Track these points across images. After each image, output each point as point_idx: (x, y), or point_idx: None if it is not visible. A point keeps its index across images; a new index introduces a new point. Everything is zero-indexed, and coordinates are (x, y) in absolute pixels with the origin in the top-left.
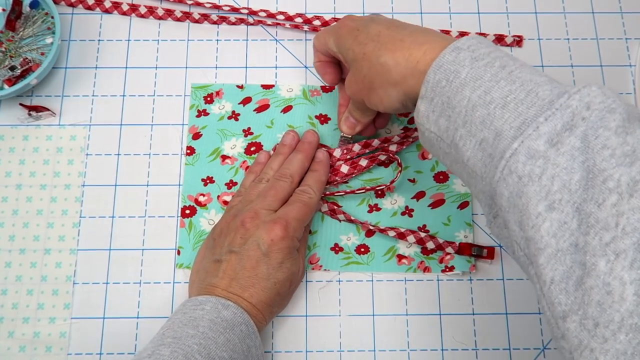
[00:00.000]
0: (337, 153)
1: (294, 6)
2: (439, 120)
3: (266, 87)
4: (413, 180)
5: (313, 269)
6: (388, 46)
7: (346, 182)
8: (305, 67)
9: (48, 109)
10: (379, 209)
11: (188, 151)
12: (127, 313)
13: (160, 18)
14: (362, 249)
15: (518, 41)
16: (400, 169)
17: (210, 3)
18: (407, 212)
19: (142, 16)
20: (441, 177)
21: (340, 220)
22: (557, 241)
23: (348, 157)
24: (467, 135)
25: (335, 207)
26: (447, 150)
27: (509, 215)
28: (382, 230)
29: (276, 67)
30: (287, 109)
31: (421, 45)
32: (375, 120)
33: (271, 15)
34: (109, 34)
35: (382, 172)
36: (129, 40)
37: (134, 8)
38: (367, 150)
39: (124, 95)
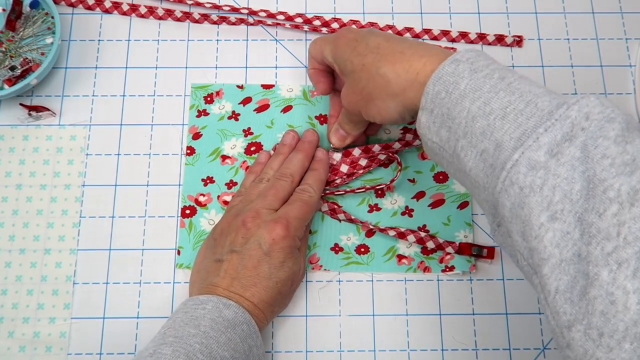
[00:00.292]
0: (336, 157)
1: (294, 6)
2: (440, 131)
3: (266, 87)
4: (413, 180)
5: (313, 268)
6: (388, 58)
7: (346, 183)
8: (305, 67)
9: (48, 109)
10: (379, 209)
11: (188, 151)
12: (127, 313)
13: (160, 18)
14: (362, 249)
15: (518, 41)
16: (400, 168)
17: (210, 3)
18: (407, 212)
19: (142, 16)
20: (441, 177)
21: (340, 220)
22: (560, 251)
23: (348, 160)
24: (468, 146)
25: (336, 207)
26: (450, 159)
27: (512, 225)
28: (382, 230)
29: (276, 67)
30: (287, 109)
31: (421, 58)
32: (366, 129)
33: (271, 15)
34: (109, 34)
35: (382, 172)
36: (129, 40)
37: (134, 8)
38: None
39: (124, 95)
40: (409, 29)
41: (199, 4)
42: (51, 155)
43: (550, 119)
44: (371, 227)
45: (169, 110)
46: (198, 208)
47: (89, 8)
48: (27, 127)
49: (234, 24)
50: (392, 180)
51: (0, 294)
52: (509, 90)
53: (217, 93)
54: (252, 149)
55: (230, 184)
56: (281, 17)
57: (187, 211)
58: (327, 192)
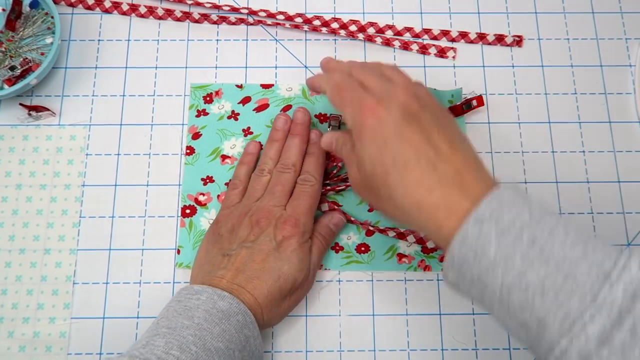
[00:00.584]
0: None
1: (294, 6)
2: (470, 290)
3: (266, 86)
4: None
5: None
6: (413, 192)
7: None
8: (305, 67)
9: (48, 109)
10: None
11: (188, 151)
12: (127, 313)
13: (160, 18)
14: (363, 248)
15: (518, 41)
16: None
17: (210, 3)
18: None
19: (142, 16)
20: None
21: None
22: None
23: None
24: (505, 314)
25: (336, 207)
26: (484, 310)
27: None
28: (381, 231)
29: (276, 67)
30: (286, 109)
31: (446, 204)
32: None
33: (271, 15)
34: (109, 34)
35: None
36: (129, 40)
37: (134, 8)
38: None
39: (124, 95)
40: (409, 29)
41: (199, 4)
42: (51, 155)
43: (595, 302)
44: (371, 227)
45: (169, 110)
46: (198, 207)
47: (89, 8)
48: (27, 127)
49: (233, 23)
50: None
51: (0, 293)
52: (543, 259)
53: (217, 93)
54: None
55: None
56: (281, 17)
57: (187, 211)
58: (328, 188)
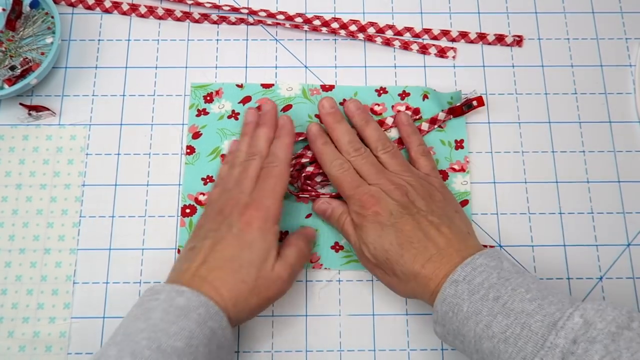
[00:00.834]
0: None
1: (294, 6)
2: (454, 341)
3: (266, 86)
4: None
5: (313, 267)
6: (409, 265)
7: None
8: (305, 66)
9: (48, 109)
10: None
11: (188, 150)
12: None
13: (160, 18)
14: None
15: (518, 41)
16: None
17: (210, 3)
18: None
19: (142, 16)
20: (441, 176)
21: None
22: None
23: None
24: None
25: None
26: (469, 359)
27: None
28: None
29: (276, 67)
30: (286, 108)
31: (436, 278)
32: None
33: (271, 15)
34: (109, 34)
35: None
36: (129, 40)
37: (134, 8)
38: None
39: (124, 95)
40: (409, 29)
41: (199, 4)
42: (51, 155)
43: (544, 347)
44: None
45: (169, 109)
46: (198, 207)
47: (89, 8)
48: (27, 127)
49: (234, 23)
50: None
51: (0, 293)
52: (505, 313)
53: (217, 92)
54: None
55: None
56: (281, 17)
57: (187, 210)
58: (333, 194)
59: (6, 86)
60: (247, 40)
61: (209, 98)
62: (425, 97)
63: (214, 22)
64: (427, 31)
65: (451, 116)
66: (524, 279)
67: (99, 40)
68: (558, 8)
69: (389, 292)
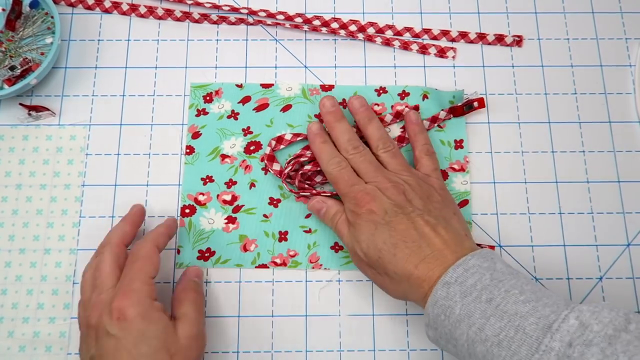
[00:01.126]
0: None
1: (293, 6)
2: (447, 345)
3: (265, 86)
4: None
5: (313, 267)
6: (402, 265)
7: None
8: (305, 67)
9: (48, 109)
10: None
11: (187, 150)
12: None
13: (160, 18)
14: None
15: (518, 41)
16: None
17: (210, 3)
18: None
19: (142, 16)
20: (442, 178)
21: None
22: None
23: None
24: None
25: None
26: None
27: None
28: None
29: (276, 67)
30: (286, 108)
31: (429, 279)
32: None
33: (271, 15)
34: (109, 34)
35: None
36: (128, 40)
37: (133, 8)
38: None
39: (123, 95)
40: (409, 29)
41: (198, 4)
42: (51, 155)
43: (538, 351)
44: None
45: (169, 109)
46: (198, 207)
47: (89, 8)
48: (27, 127)
49: (233, 23)
50: None
51: (0, 293)
52: (498, 315)
53: (217, 92)
54: (252, 148)
55: (230, 183)
56: (281, 17)
57: (187, 210)
58: (334, 193)
59: (6, 86)
60: (246, 40)
61: (208, 98)
62: (425, 97)
63: (214, 22)
64: (426, 31)
65: (451, 115)
66: (518, 280)
67: (98, 40)
68: (558, 8)
69: None
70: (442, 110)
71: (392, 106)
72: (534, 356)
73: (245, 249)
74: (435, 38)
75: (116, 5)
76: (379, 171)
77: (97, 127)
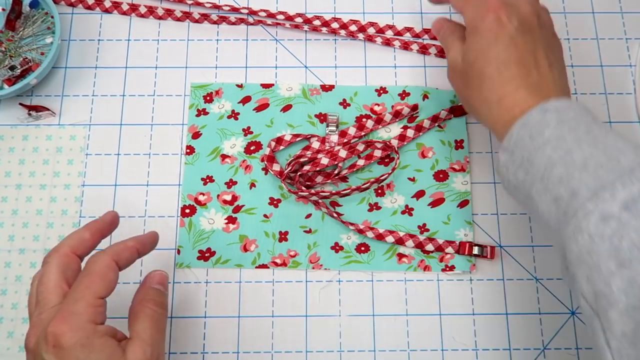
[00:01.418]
0: (334, 138)
1: (294, 6)
2: (517, 172)
3: (266, 86)
4: (413, 179)
5: (313, 268)
6: (502, 84)
7: (346, 181)
8: (305, 67)
9: (48, 109)
10: (379, 208)
11: (188, 150)
12: (127, 313)
13: (160, 18)
14: (363, 248)
15: None
16: (397, 156)
17: (210, 3)
18: (407, 210)
19: (142, 16)
20: (441, 176)
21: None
22: (627, 297)
23: (345, 140)
24: (543, 190)
25: (335, 214)
26: (524, 200)
27: (577, 269)
28: (379, 237)
29: (276, 67)
30: (286, 108)
31: (525, 108)
32: None
33: (271, 15)
34: (109, 34)
35: (382, 170)
36: (128, 40)
37: (134, 8)
38: (362, 133)
39: (123, 95)
40: (409, 29)
41: (199, 4)
42: (51, 155)
43: (631, 176)
44: (369, 236)
45: (169, 110)
46: (198, 207)
47: (89, 8)
48: (27, 127)
49: (233, 23)
50: (394, 169)
51: (0, 294)
52: (593, 143)
53: (217, 92)
54: (252, 148)
55: (230, 183)
56: (281, 17)
57: (187, 210)
58: (334, 192)
59: (6, 86)
60: (247, 40)
61: (208, 98)
62: (425, 97)
63: (214, 22)
64: (427, 31)
65: (452, 116)
66: (615, 132)
67: (98, 40)
68: (558, 8)
69: (389, 292)
70: (443, 110)
71: (392, 106)
72: (622, 179)
73: (245, 249)
74: (435, 38)
75: (116, 5)
76: None
77: (97, 127)
